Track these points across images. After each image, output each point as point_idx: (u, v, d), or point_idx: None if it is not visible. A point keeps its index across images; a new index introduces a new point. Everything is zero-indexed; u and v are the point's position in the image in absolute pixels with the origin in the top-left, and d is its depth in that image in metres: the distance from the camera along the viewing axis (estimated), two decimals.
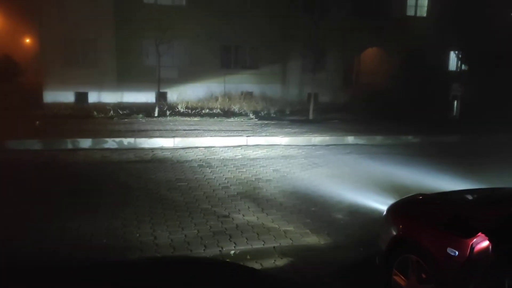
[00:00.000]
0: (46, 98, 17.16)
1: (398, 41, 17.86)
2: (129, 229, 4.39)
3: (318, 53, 13.48)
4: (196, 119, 12.42)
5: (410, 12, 20.25)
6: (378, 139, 10.07)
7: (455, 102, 13.99)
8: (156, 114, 12.67)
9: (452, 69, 20.00)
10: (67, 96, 17.41)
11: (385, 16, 17.84)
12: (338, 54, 19.57)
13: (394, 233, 3.17)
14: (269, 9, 19.74)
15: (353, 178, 6.67)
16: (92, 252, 3.84)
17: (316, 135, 9.96)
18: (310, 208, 5.26)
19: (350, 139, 9.93)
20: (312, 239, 4.37)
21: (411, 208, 3.43)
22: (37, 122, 10.40)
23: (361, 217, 5.01)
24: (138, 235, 4.27)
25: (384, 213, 3.52)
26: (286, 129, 10.73)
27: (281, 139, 9.54)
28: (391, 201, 3.92)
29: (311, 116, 12.96)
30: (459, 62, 17.90)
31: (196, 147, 8.85)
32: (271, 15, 19.67)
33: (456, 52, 18.08)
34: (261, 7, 19.91)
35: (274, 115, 13.69)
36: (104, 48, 18.05)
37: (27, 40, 49.67)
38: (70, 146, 8.36)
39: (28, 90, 18.25)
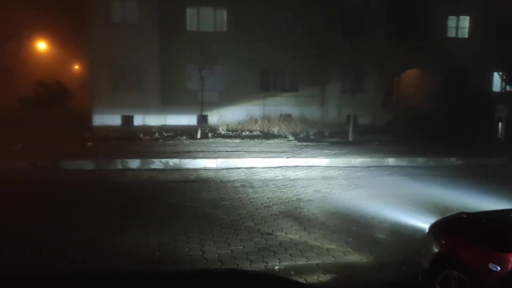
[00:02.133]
0: (95, 121, 18.08)
1: (439, 63, 17.70)
2: (179, 244, 4.64)
3: (357, 75, 13.59)
4: (237, 141, 12.74)
5: (451, 33, 20.03)
6: (420, 160, 9.98)
7: (500, 124, 13.63)
8: (198, 136, 13.09)
9: (496, 90, 19.52)
10: (114, 119, 18.27)
11: (425, 38, 17.76)
12: (378, 75, 19.55)
13: (437, 250, 3.24)
14: (308, 32, 20.08)
15: (394, 198, 6.68)
16: (146, 264, 4.10)
17: (356, 156, 10.00)
18: (352, 227, 5.34)
19: (391, 160, 9.90)
20: (355, 257, 4.45)
21: (454, 225, 3.49)
22: (89, 143, 11.03)
23: (403, 237, 5.04)
24: (187, 249, 4.50)
25: (427, 230, 3.58)
26: (325, 151, 10.83)
27: (321, 161, 9.65)
28: (433, 221, 3.97)
29: (350, 138, 12.99)
30: (503, 83, 17.46)
31: (238, 168, 9.11)
32: (309, 38, 20.00)
33: (500, 73, 17.69)
34: (299, 31, 20.29)
35: (313, 137, 13.81)
36: (149, 73, 18.90)
37: (76, 67, 52.45)
38: (119, 166, 8.83)
39: (77, 114, 19.29)
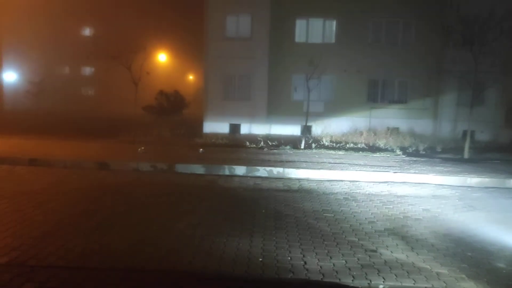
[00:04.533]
0: (205, 128, 19.25)
1: None
2: (281, 252, 4.73)
3: (477, 87, 12.52)
4: (340, 152, 12.56)
5: None
6: None
7: None
8: (302, 146, 13.18)
9: None
10: (223, 127, 19.26)
11: None
12: (501, 87, 17.83)
13: None
14: (421, 41, 19.13)
15: None
16: (249, 269, 4.25)
17: (472, 175, 9.22)
18: (466, 252, 4.94)
19: None
20: (469, 285, 4.11)
21: None
22: (200, 149, 11.78)
23: None
24: (289, 258, 4.57)
25: None
26: (437, 168, 10.17)
27: (432, 178, 9.07)
28: None
29: (466, 155, 12.01)
30: None
31: (341, 180, 8.99)
32: (422, 47, 19.03)
33: None
34: (412, 40, 19.43)
35: (424, 152, 13.05)
36: (258, 83, 19.58)
37: (191, 77, 56.27)
38: (227, 172, 9.28)
39: (191, 121, 20.68)
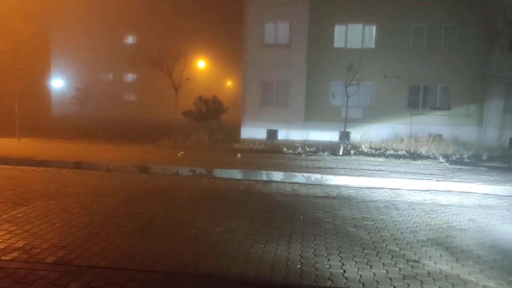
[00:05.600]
0: (243, 134, 19.38)
1: None
2: (319, 259, 4.67)
3: None
4: (380, 159, 12.31)
5: None
6: None
7: None
8: (340, 153, 13.02)
9: None
10: (260, 133, 19.33)
11: None
12: None
13: None
14: (465, 46, 18.54)
15: None
16: (287, 276, 4.22)
17: None
18: None
19: None
20: None
21: None
22: (238, 155, 11.86)
23: None
24: (328, 266, 4.51)
25: None
26: (483, 176, 9.77)
27: (478, 187, 8.72)
28: None
29: None
30: None
31: (381, 188, 8.80)
32: (466, 53, 18.45)
33: None
34: (455, 45, 18.87)
35: (468, 160, 12.58)
36: (295, 89, 19.55)
37: (229, 83, 56.92)
38: (265, 178, 9.30)
39: (229, 127, 20.88)
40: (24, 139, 14.84)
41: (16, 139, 14.74)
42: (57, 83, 43.33)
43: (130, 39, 53.97)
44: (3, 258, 4.34)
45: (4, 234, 5.05)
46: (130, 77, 54.55)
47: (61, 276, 3.96)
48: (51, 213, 6.04)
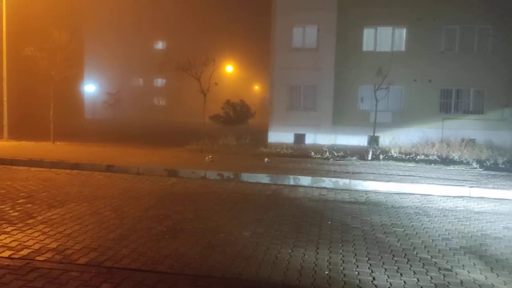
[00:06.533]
0: (270, 138, 19.38)
1: None
2: (348, 266, 4.61)
3: None
4: (410, 164, 12.07)
5: None
6: None
7: None
8: (369, 158, 12.84)
9: None
10: (288, 137, 19.29)
11: None
12: None
13: None
14: (499, 49, 18.01)
15: None
16: (315, 282, 4.19)
17: None
18: None
19: None
20: None
21: None
22: (266, 159, 11.87)
23: None
24: (357, 273, 4.44)
25: None
26: None
27: None
28: None
29: None
30: None
31: (412, 194, 8.62)
32: (500, 56, 17.90)
33: None
34: (488, 48, 18.35)
35: (503, 166, 12.18)
36: (323, 93, 19.44)
37: (256, 87, 57.10)
38: (292, 182, 9.26)
39: (256, 131, 20.93)
40: (58, 143, 15.32)
41: (50, 142, 15.23)
42: (89, 88, 44.59)
43: (160, 45, 55.01)
44: (38, 258, 4.49)
45: (39, 235, 5.22)
46: (159, 82, 55.55)
47: (93, 277, 4.06)
48: (83, 215, 6.20)
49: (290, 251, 5.00)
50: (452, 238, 5.75)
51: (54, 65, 15.15)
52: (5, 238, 5.06)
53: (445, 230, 6.12)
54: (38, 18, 20.85)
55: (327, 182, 9.18)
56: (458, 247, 5.39)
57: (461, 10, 18.14)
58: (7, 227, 5.49)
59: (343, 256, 4.89)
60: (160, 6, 50.44)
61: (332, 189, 8.96)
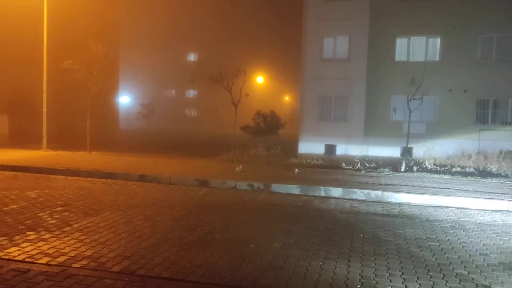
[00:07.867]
0: (300, 149, 19.30)
1: None
2: (381, 280, 4.51)
3: None
4: (445, 177, 11.73)
5: None
6: None
7: None
8: (402, 169, 12.57)
9: None
10: (318, 148, 19.16)
11: None
12: None
13: None
14: None
15: None
16: None
17: None
18: None
19: None
20: None
21: None
22: (296, 170, 11.82)
23: None
24: (390, 287, 4.34)
25: None
26: None
27: None
28: None
29: None
30: None
31: (447, 207, 8.37)
32: None
33: None
34: None
35: None
36: (354, 104, 19.24)
37: (286, 98, 57.16)
38: (323, 193, 9.18)
39: (286, 141, 20.90)
40: (94, 153, 15.79)
41: (87, 152, 15.71)
42: (124, 99, 45.86)
43: (192, 57, 56.03)
44: (74, 265, 4.62)
45: (75, 243, 5.38)
46: (191, 93, 56.47)
47: (126, 285, 4.13)
48: (117, 224, 6.35)
49: (321, 263, 4.95)
50: (490, 253, 5.54)
51: (91, 78, 15.68)
52: (43, 245, 5.24)
53: (483, 245, 5.90)
54: (77, 32, 21.70)
55: (359, 193, 9.04)
56: (497, 262, 5.19)
57: (497, 19, 17.66)
58: (45, 234, 5.68)
59: (375, 270, 4.80)
60: (193, 19, 51.56)
61: (364, 201, 8.82)
